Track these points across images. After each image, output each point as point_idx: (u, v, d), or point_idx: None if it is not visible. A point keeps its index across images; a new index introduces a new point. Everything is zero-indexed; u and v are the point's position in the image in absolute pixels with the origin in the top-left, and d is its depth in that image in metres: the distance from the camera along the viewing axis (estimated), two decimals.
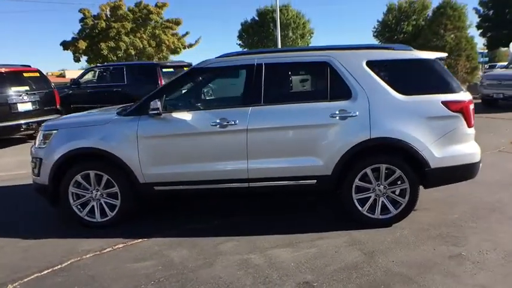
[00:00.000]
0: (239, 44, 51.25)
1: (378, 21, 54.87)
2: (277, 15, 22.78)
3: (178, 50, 21.25)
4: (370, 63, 3.71)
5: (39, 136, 4.13)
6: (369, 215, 3.74)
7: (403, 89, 3.65)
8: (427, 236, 3.51)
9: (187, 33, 22.02)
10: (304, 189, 3.81)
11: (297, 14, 48.45)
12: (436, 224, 3.74)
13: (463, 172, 3.73)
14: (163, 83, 9.84)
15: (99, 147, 3.82)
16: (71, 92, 11.23)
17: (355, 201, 3.72)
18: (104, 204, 3.95)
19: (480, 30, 35.73)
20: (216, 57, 3.94)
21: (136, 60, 19.69)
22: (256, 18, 49.52)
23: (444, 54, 3.91)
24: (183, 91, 4.06)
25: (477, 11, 34.07)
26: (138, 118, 3.82)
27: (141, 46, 19.58)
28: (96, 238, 3.74)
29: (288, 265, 3.12)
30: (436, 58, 3.78)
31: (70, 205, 3.96)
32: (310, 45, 51.36)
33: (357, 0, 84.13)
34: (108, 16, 19.12)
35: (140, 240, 3.69)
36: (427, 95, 3.65)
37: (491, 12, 33.26)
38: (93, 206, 3.97)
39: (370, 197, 3.73)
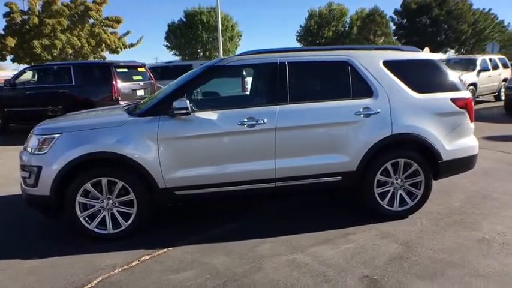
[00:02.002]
0: (166, 46, 50.09)
1: (301, 26, 57.40)
2: (219, 19, 22.48)
3: (119, 49, 19.98)
4: (386, 63, 3.90)
5: (33, 141, 3.62)
6: (389, 207, 3.92)
7: (417, 87, 3.88)
8: (445, 224, 3.78)
9: (128, 32, 20.83)
10: (328, 186, 3.86)
11: (225, 17, 48.71)
12: (445, 213, 4.04)
13: (467, 163, 4.08)
14: (118, 84, 9.24)
15: (114, 151, 3.47)
16: (3, 93, 9.97)
17: (377, 195, 3.87)
18: (116, 214, 3.60)
19: (395, 37, 39.26)
20: (235, 55, 3.82)
21: (72, 59, 18.08)
22: (184, 19, 48.86)
23: (444, 56, 4.24)
24: (204, 89, 3.85)
25: (392, 20, 37.45)
26: (157, 119, 3.55)
27: (79, 45, 17.97)
28: (113, 252, 3.40)
29: (337, 261, 3.14)
30: (439, 59, 4.10)
31: (77, 217, 3.54)
32: (239, 47, 52.05)
33: (281, 5, 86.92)
34: (40, 11, 17.26)
35: (166, 249, 3.43)
36: (437, 93, 3.94)
37: (404, 20, 36.74)
38: (104, 217, 3.59)
39: (389, 190, 3.91)
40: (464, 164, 4.06)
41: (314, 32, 53.73)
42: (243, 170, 3.64)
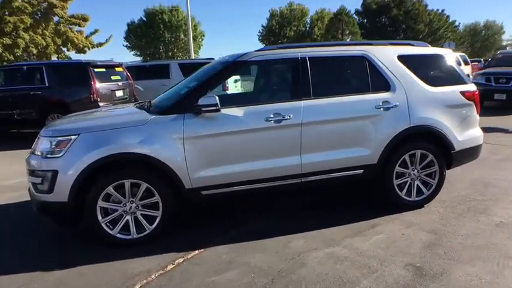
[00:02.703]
0: (126, 46, 48.61)
1: (263, 26, 57.78)
2: (189, 21, 21.86)
3: (86, 49, 18.99)
4: (400, 58, 4.01)
5: (45, 144, 3.38)
6: (407, 198, 4.03)
7: (429, 81, 4.02)
8: (460, 211, 3.94)
9: (96, 30, 19.85)
10: (350, 180, 3.90)
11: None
12: (457, 201, 4.21)
13: (475, 153, 4.28)
14: (96, 85, 8.84)
15: (138, 152, 3.31)
16: None
17: (396, 186, 3.97)
18: (140, 218, 3.44)
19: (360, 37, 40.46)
20: (255, 51, 3.77)
21: (35, 60, 16.98)
22: (144, 18, 47.66)
23: (449, 51, 4.42)
24: (226, 86, 3.76)
25: (354, 19, 38.50)
26: (182, 116, 3.43)
27: (44, 44, 16.87)
28: (142, 257, 3.24)
29: (375, 252, 3.18)
30: (447, 53, 4.27)
31: (98, 223, 3.35)
32: (202, 47, 51.56)
33: (244, 4, 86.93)
34: None
35: (197, 251, 3.32)
36: (448, 86, 4.09)
37: (365, 20, 37.98)
38: (127, 221, 3.42)
39: (406, 181, 4.02)
40: (472, 153, 4.25)
41: (276, 31, 54.33)
42: (269, 166, 3.60)
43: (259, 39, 57.79)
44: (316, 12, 51.59)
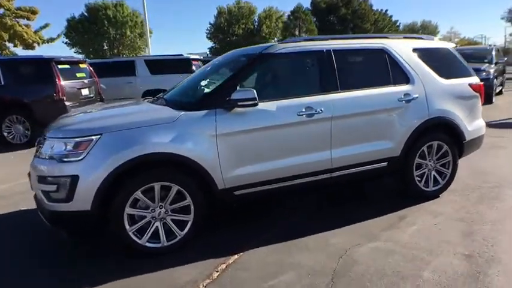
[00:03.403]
0: (66, 43, 45.65)
1: (210, 23, 57.21)
2: (146, 19, 20.76)
3: (36, 44, 17.31)
4: (415, 51, 4.06)
5: (58, 146, 2.98)
6: (425, 188, 4.11)
7: (441, 73, 4.12)
8: (476, 199, 4.08)
9: (46, 25, 18.16)
10: (375, 174, 3.89)
11: (134, 12, 46.31)
12: (467, 189, 4.36)
13: (480, 142, 4.47)
14: (62, 83, 8.13)
15: (170, 152, 3.03)
16: None
17: (416, 177, 4.03)
18: (170, 223, 3.16)
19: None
20: (280, 43, 3.62)
21: None
22: (86, 14, 45.11)
23: (452, 44, 4.57)
24: (255, 79, 3.56)
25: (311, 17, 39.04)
26: (213, 112, 3.19)
27: None
28: (179, 266, 2.98)
29: (418, 243, 3.19)
30: (451, 47, 4.41)
31: (126, 232, 3.03)
32: (150, 45, 49.79)
33: (191, 1, 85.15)
34: None
35: (237, 255, 3.12)
36: (458, 78, 4.22)
37: (315, 19, 38.85)
38: (156, 228, 3.13)
39: (424, 172, 4.09)
40: (478, 143, 4.43)
41: (225, 29, 53.99)
42: (302, 162, 3.48)
43: (207, 37, 57.10)
44: (264, 11, 51.99)
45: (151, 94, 11.32)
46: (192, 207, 3.18)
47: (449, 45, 4.41)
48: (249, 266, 2.96)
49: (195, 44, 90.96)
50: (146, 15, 17.29)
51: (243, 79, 3.39)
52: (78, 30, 44.62)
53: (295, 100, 3.46)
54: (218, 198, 3.27)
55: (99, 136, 2.94)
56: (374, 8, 37.08)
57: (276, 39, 53.29)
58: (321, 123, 3.50)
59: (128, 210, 3.01)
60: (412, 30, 52.91)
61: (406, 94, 3.85)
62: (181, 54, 11.49)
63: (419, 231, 3.40)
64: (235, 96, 3.14)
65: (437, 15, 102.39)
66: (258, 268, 2.92)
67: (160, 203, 3.11)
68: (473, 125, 4.28)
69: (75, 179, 2.89)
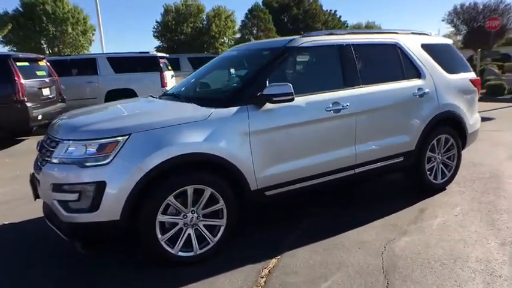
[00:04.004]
0: None
1: (157, 22, 55.71)
2: (99, 15, 19.46)
3: None
4: (423, 46, 4.14)
5: (76, 149, 2.64)
6: (434, 181, 4.20)
7: (447, 68, 4.24)
8: (481, 190, 4.23)
9: None
10: (392, 168, 3.89)
11: (75, 8, 43.82)
12: (469, 181, 4.53)
13: (477, 135, 4.66)
14: (22, 81, 7.39)
15: (205, 152, 2.80)
16: None
17: (426, 170, 4.10)
18: (203, 229, 2.93)
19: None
20: (302, 36, 3.50)
21: None
22: (21, 9, 41.85)
23: (450, 41, 4.73)
24: (281, 73, 3.38)
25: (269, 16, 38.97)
26: (245, 109, 3.00)
27: None
28: (220, 274, 2.76)
29: (452, 234, 3.24)
30: (452, 43, 4.57)
31: (158, 242, 2.76)
32: (93, 42, 47.36)
33: None
34: None
35: (275, 259, 2.96)
36: (460, 73, 4.37)
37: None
38: (188, 235, 2.88)
39: (434, 165, 4.19)
40: (475, 136, 4.62)
41: (172, 27, 52.77)
42: (330, 159, 3.40)
43: (154, 36, 55.51)
44: (213, 9, 51.50)
45: (115, 94, 10.72)
46: (225, 210, 2.96)
47: (450, 41, 4.55)
48: (294, 269, 2.82)
49: (140, 43, 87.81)
50: (99, 10, 16.29)
51: (270, 74, 3.22)
52: (13, 27, 41.27)
53: (322, 95, 3.36)
54: (250, 199, 3.08)
55: (127, 137, 2.64)
56: (324, 8, 38.32)
57: (225, 38, 53.15)
58: (347, 119, 3.44)
59: (160, 217, 2.74)
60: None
61: (419, 89, 3.91)
62: (148, 52, 10.94)
63: (444, 223, 3.45)
64: (269, 91, 2.97)
65: (381, 17, 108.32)
66: (304, 271, 2.78)
67: (192, 208, 2.86)
68: (473, 118, 4.46)
69: (101, 185, 2.57)
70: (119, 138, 2.63)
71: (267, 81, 3.14)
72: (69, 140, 2.71)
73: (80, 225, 2.66)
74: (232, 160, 2.90)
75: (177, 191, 2.75)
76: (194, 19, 53.85)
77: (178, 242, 2.84)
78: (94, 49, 46.41)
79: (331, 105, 3.34)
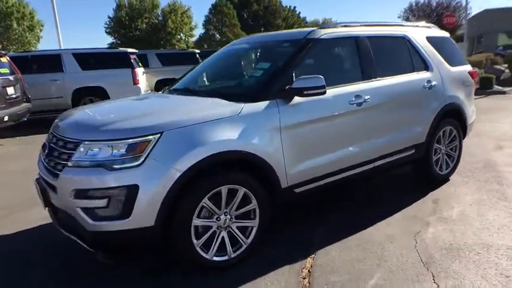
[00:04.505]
0: None
1: (109, 17, 53.74)
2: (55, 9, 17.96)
3: None
4: (428, 39, 4.19)
5: (101, 150, 2.39)
6: (440, 172, 4.28)
7: (449, 61, 4.32)
8: (483, 180, 4.37)
9: None
10: (405, 161, 3.90)
11: (20, 2, 41.15)
12: (467, 171, 4.65)
13: (472, 127, 4.80)
14: None
15: (240, 150, 2.64)
16: None
17: (434, 162, 4.17)
18: (236, 231, 2.77)
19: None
20: (320, 28, 3.41)
21: None
22: None
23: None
24: (305, 66, 3.23)
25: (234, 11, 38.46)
26: (275, 103, 2.87)
27: None
28: (258, 278, 2.63)
29: (472, 224, 3.29)
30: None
31: (194, 247, 2.57)
32: (41, 38, 44.68)
33: None
34: None
35: (310, 258, 2.86)
36: (460, 66, 4.48)
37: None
38: (222, 239, 2.71)
39: (439, 157, 4.27)
40: (472, 127, 4.76)
41: (126, 24, 51.00)
42: (353, 152, 3.35)
43: (106, 32, 53.41)
44: (169, 5, 50.29)
45: (83, 93, 10.10)
46: (258, 210, 2.82)
47: (448, 34, 4.65)
48: (333, 267, 2.73)
49: (92, 40, 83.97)
50: (55, 5, 15.13)
51: (296, 66, 3.09)
52: None
53: (345, 88, 3.30)
54: (280, 198, 2.95)
55: (159, 135, 2.42)
56: (283, 4, 38.60)
57: (181, 34, 52.10)
58: (368, 112, 3.39)
59: (195, 221, 2.54)
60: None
61: (428, 81, 3.96)
62: (117, 47, 10.38)
63: (462, 213, 3.51)
64: (299, 84, 2.85)
65: (338, 15, 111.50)
66: (344, 268, 2.71)
67: (224, 210, 2.69)
68: (471, 109, 4.59)
69: (133, 189, 2.34)
70: (150, 137, 2.41)
71: (293, 74, 3.01)
72: (92, 140, 2.44)
73: (108, 234, 2.41)
74: (265, 157, 2.76)
75: (212, 192, 2.57)
76: (149, 15, 52.31)
77: (213, 246, 2.66)
78: (43, 46, 43.79)
79: (353, 99, 3.28)
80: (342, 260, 2.81)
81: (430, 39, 4.21)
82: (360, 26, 3.71)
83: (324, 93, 2.91)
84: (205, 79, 3.64)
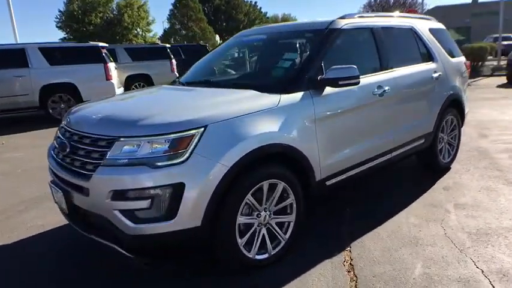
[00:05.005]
0: None
1: (60, 11, 51.35)
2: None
3: None
4: (430, 31, 4.28)
5: (141, 147, 2.20)
6: (443, 160, 4.41)
7: (449, 52, 4.45)
8: (483, 166, 4.53)
9: None
10: (415, 151, 3.96)
11: None
12: (464, 159, 4.82)
13: (467, 116, 4.99)
14: None
15: (281, 143, 2.55)
16: None
17: (438, 151, 4.29)
18: (275, 228, 2.68)
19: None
20: (339, 18, 3.36)
21: None
22: None
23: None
24: (331, 56, 3.15)
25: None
26: (309, 94, 2.79)
27: None
28: (303, 274, 2.56)
29: (489, 207, 3.42)
30: None
31: (238, 247, 2.45)
32: (17, 33, 41.68)
33: None
34: None
35: (347, 250, 2.83)
36: (457, 57, 4.62)
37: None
38: (263, 236, 2.61)
39: (442, 146, 4.39)
40: (467, 116, 4.94)
41: (79, 18, 48.83)
42: (377, 143, 3.36)
43: (57, 27, 50.88)
44: None
45: (51, 90, 9.44)
46: (295, 205, 2.74)
47: (444, 27, 4.78)
48: (374, 258, 2.71)
49: (41, 34, 79.48)
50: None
51: (323, 56, 3.02)
52: None
53: (368, 79, 3.27)
54: (314, 191, 2.89)
55: (203, 129, 2.27)
56: None
57: (138, 29, 50.59)
58: (388, 102, 3.41)
59: (240, 219, 2.43)
60: (275, 22, 56.63)
61: (435, 71, 4.04)
62: (87, 41, 9.81)
63: (475, 199, 3.63)
64: (333, 74, 2.79)
65: (297, 10, 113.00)
66: (384, 259, 2.69)
67: (264, 205, 2.59)
68: (466, 99, 4.76)
69: (179, 188, 2.18)
70: (193, 131, 2.25)
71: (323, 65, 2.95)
72: (129, 136, 2.24)
73: (151, 238, 2.23)
74: (303, 150, 2.69)
75: (255, 187, 2.46)
76: (103, 9, 50.33)
77: (254, 244, 2.55)
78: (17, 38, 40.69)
79: (376, 89, 3.28)
80: (379, 251, 2.80)
81: (432, 31, 4.31)
82: (374, 17, 3.71)
83: (358, 83, 2.87)
84: (227, 70, 3.49)
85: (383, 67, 3.48)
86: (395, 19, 3.98)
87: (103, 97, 3.32)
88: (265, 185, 2.52)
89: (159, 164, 2.18)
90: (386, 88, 3.35)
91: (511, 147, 5.27)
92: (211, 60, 3.87)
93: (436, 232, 3.04)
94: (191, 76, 3.61)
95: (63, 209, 2.59)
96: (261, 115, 2.51)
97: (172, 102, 2.79)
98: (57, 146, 2.72)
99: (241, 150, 2.33)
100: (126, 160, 2.21)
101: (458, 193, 3.79)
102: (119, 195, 2.19)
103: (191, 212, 2.22)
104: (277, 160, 2.60)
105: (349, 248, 2.87)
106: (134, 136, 2.24)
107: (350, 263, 2.68)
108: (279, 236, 2.69)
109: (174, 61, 12.97)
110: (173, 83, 3.62)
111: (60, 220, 3.49)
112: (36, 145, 6.90)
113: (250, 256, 2.53)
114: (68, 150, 2.51)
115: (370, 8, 30.14)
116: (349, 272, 2.58)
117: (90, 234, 2.43)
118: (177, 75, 13.23)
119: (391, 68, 3.55)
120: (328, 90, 2.89)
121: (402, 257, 2.71)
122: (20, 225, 3.58)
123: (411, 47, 3.99)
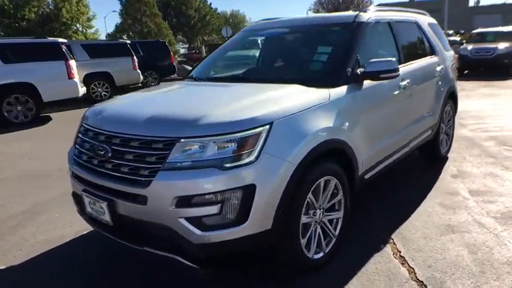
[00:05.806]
0: None
1: None
2: None
3: None
4: (429, 25, 4.43)
5: (207, 148, 2.04)
6: (443, 150, 4.60)
7: (444, 46, 4.64)
8: (477, 155, 4.79)
9: None
10: (424, 142, 4.06)
11: None
12: (456, 149, 5.02)
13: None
14: None
15: (336, 138, 2.49)
16: None
17: (440, 142, 4.46)
18: (327, 225, 2.62)
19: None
20: (361, 12, 3.35)
21: None
22: None
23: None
24: (361, 49, 3.11)
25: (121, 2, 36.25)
26: (351, 88, 2.75)
27: None
28: (360, 269, 2.53)
29: (503, 193, 3.61)
30: None
31: (300, 248, 2.36)
32: None
33: None
34: None
35: (390, 243, 2.85)
36: (449, 51, 4.83)
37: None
38: (318, 235, 2.54)
39: (442, 136, 4.57)
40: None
41: (10, 13, 45.23)
42: (402, 135, 3.42)
43: None
44: None
45: (7, 89, 8.56)
46: (343, 201, 2.70)
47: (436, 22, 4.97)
48: (423, 250, 2.74)
49: None
50: None
51: (357, 50, 2.99)
52: None
53: None
54: (357, 186, 2.87)
55: (268, 126, 2.14)
56: None
57: (78, 25, 47.86)
58: (408, 94, 3.47)
59: (303, 218, 2.34)
60: (225, 18, 56.12)
61: (438, 64, 4.19)
62: (45, 37, 9.04)
63: (485, 185, 3.82)
64: (374, 67, 2.77)
65: (246, 6, 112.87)
66: (429, 248, 2.75)
67: (318, 203, 2.52)
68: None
69: (250, 190, 2.05)
70: (260, 128, 2.12)
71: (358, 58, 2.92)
72: (191, 137, 2.06)
73: (219, 245, 2.07)
74: (352, 145, 2.65)
75: (314, 185, 2.38)
76: (38, 3, 47.01)
77: (312, 243, 2.48)
78: None
79: (400, 82, 3.32)
80: (422, 241, 2.84)
81: (431, 26, 4.46)
82: (388, 11, 3.76)
83: (397, 76, 2.88)
84: (257, 65, 3.34)
85: (401, 60, 3.53)
86: (403, 13, 4.06)
87: (120, 96, 3.04)
88: (321, 181, 2.44)
89: (228, 165, 2.03)
90: (407, 81, 3.41)
91: (492, 135, 5.63)
92: (225, 55, 3.69)
93: (466, 219, 3.14)
94: (212, 72, 3.42)
95: (103, 220, 2.33)
96: (316, 110, 2.43)
97: (223, 99, 2.60)
98: (85, 151, 2.45)
99: (306, 146, 2.24)
100: (190, 163, 2.03)
101: (467, 180, 3.96)
102: (185, 201, 2.01)
103: (263, 214, 2.09)
104: (332, 156, 2.53)
105: (392, 240, 2.88)
106: (197, 136, 2.06)
107: (400, 255, 2.68)
108: (330, 234, 2.63)
109: (135, 58, 12.39)
110: (192, 79, 3.40)
111: (63, 234, 3.25)
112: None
113: (310, 256, 2.45)
114: (108, 154, 2.25)
115: (321, 5, 30.98)
116: (403, 264, 2.59)
117: (143, 247, 2.21)
118: (139, 72, 12.68)
119: (407, 61, 3.61)
120: (367, 83, 2.87)
121: (446, 245, 2.77)
122: (21, 242, 3.20)
123: (418, 41, 4.09)
